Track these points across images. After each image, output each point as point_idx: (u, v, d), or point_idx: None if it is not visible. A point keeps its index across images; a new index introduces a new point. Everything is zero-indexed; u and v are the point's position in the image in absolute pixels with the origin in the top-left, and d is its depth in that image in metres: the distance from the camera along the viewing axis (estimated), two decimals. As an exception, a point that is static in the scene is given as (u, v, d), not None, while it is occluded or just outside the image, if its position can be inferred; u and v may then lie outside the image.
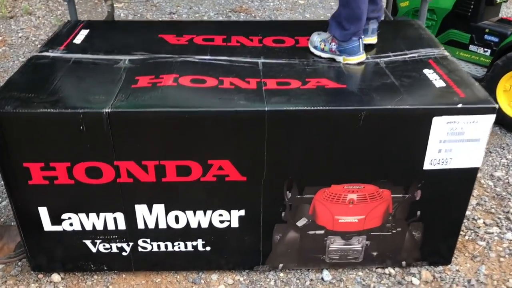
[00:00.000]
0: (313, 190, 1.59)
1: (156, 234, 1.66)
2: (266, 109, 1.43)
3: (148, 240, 1.68)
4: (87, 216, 1.61)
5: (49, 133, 1.45)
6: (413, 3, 3.05)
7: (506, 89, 2.58)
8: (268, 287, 1.73)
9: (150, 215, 1.62)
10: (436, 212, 1.65)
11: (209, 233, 1.66)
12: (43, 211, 1.59)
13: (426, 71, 1.64)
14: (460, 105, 1.45)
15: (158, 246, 1.69)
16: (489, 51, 2.81)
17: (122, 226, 1.64)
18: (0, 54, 3.54)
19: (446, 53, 1.78)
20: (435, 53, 1.77)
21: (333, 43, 1.65)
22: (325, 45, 1.67)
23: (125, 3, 4.45)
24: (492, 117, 1.47)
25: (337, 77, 1.62)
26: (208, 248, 1.70)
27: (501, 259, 1.83)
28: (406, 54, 1.76)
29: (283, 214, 1.63)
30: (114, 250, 1.69)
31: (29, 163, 1.49)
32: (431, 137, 1.49)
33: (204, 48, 1.81)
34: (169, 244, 1.69)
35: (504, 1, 2.85)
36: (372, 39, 1.79)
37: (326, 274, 1.76)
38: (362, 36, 1.65)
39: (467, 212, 1.98)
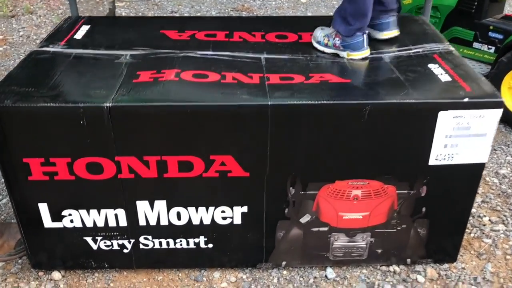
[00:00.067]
0: (317, 186, 1.57)
1: (157, 231, 1.64)
2: (270, 103, 1.41)
3: (150, 237, 1.65)
4: (88, 213, 1.59)
5: (49, 128, 1.43)
6: (416, 0, 3.03)
7: (510, 86, 2.56)
8: (271, 285, 1.70)
9: (151, 212, 1.60)
10: (442, 208, 1.62)
11: (211, 230, 1.64)
12: (43, 208, 1.57)
13: (431, 65, 1.62)
14: (466, 99, 1.43)
15: (160, 243, 1.67)
16: (493, 48, 2.79)
17: (123, 222, 1.61)
18: (1, 52, 3.53)
19: (451, 48, 1.75)
20: (440, 48, 1.75)
21: (337, 38, 1.62)
22: (328, 40, 1.65)
23: (127, 2, 4.43)
24: (499, 112, 1.44)
25: (341, 72, 1.60)
26: (210, 245, 1.68)
27: (508, 256, 1.80)
28: (411, 49, 1.74)
29: (286, 210, 1.61)
30: (115, 247, 1.67)
31: (29, 159, 1.47)
32: (436, 132, 1.47)
33: (206, 44, 1.79)
34: (171, 241, 1.67)
35: (509, -2, 2.83)
36: (394, 32, 1.77)
37: (330, 272, 1.74)
38: (367, 31, 1.63)
39: (473, 210, 1.95)
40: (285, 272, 1.75)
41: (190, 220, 1.62)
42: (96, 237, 1.65)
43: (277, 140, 1.47)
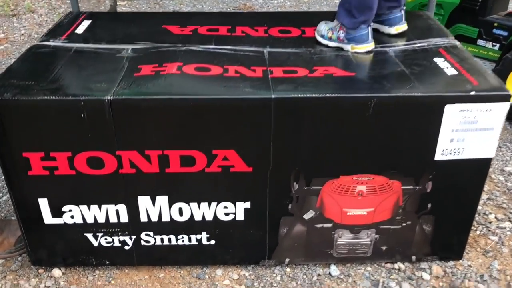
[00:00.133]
0: (321, 181, 1.54)
1: (159, 227, 1.61)
2: (273, 96, 1.39)
3: (151, 234, 1.63)
4: (89, 208, 1.57)
5: (50, 121, 1.41)
6: (419, -3, 3.01)
7: (515, 83, 2.54)
8: (274, 282, 1.68)
9: (153, 207, 1.57)
10: (448, 204, 1.60)
11: (213, 226, 1.62)
12: (43, 203, 1.55)
13: (436, 59, 1.59)
14: (473, 93, 1.41)
15: (162, 240, 1.64)
16: (497, 45, 2.78)
17: (124, 218, 1.59)
18: (2, 51, 3.51)
19: (457, 43, 1.73)
20: (445, 42, 1.73)
21: (341, 31, 1.60)
22: (332, 34, 1.63)
23: (128, 1, 4.42)
24: (506, 105, 1.42)
25: (345, 66, 1.57)
26: (212, 242, 1.66)
27: (514, 254, 1.78)
28: (416, 44, 1.72)
29: (289, 206, 1.58)
30: (116, 243, 1.64)
31: (29, 153, 1.45)
32: (443, 126, 1.44)
33: (208, 38, 1.76)
34: (173, 237, 1.64)
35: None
36: (404, 26, 1.76)
37: (334, 269, 1.71)
38: (371, 24, 1.61)
39: (478, 207, 1.92)
40: (288, 269, 1.72)
41: (192, 216, 1.59)
42: (97, 233, 1.62)
43: (281, 134, 1.44)
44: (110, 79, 1.46)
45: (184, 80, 1.48)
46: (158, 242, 1.65)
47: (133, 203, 1.56)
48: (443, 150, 1.49)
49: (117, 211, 1.58)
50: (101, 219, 1.59)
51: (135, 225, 1.61)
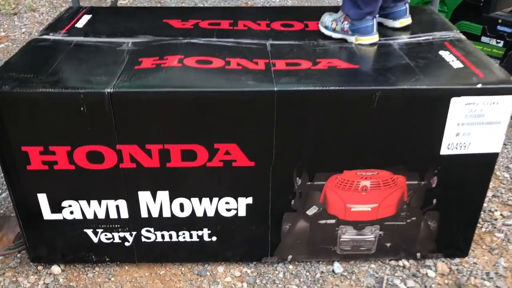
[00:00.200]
0: (324, 176, 1.52)
1: (160, 223, 1.59)
2: (276, 89, 1.36)
3: (152, 230, 1.61)
4: (88, 204, 1.54)
5: (49, 115, 1.39)
6: (423, -6, 2.99)
7: (520, 80, 2.50)
8: (276, 280, 1.65)
9: (154, 203, 1.55)
10: (453, 200, 1.57)
11: (215, 222, 1.59)
12: (42, 198, 1.52)
13: (442, 52, 1.57)
14: (479, 85, 1.38)
15: (162, 236, 1.62)
16: (502, 42, 2.75)
17: (124, 214, 1.57)
18: (3, 49, 3.49)
19: (462, 36, 1.71)
20: (450, 35, 1.70)
21: (346, 22, 1.58)
22: (337, 25, 1.61)
23: (129, 0, 4.41)
24: (513, 98, 1.39)
25: (349, 58, 1.55)
26: (214, 238, 1.63)
27: (521, 251, 1.75)
28: (420, 37, 1.69)
29: (292, 202, 1.56)
30: (117, 240, 1.62)
31: (28, 147, 1.43)
32: (448, 120, 1.42)
33: (210, 32, 1.74)
34: (174, 234, 1.62)
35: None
36: (409, 20, 1.74)
37: (337, 266, 1.68)
38: (377, 16, 1.58)
39: (483, 204, 1.89)
40: (291, 266, 1.70)
41: (193, 211, 1.57)
42: (97, 230, 1.60)
43: (284, 128, 1.42)
44: (110, 72, 1.44)
45: (185, 72, 1.46)
46: (159, 239, 1.62)
47: (133, 198, 1.54)
48: (449, 144, 1.46)
49: (117, 206, 1.55)
50: (101, 215, 1.56)
51: (135, 221, 1.59)
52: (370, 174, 1.51)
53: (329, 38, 1.65)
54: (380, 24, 1.72)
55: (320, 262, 1.70)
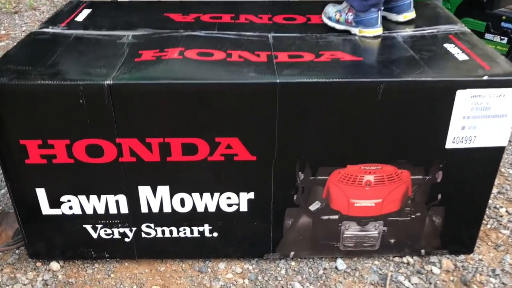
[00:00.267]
0: (327, 171, 1.49)
1: (160, 218, 1.56)
2: (278, 81, 1.34)
3: (152, 225, 1.58)
4: (88, 199, 1.52)
5: (47, 107, 1.37)
6: (426, -9, 2.96)
7: (525, 77, 2.48)
8: (278, 276, 1.62)
9: (154, 198, 1.52)
10: (459, 195, 1.54)
11: (216, 217, 1.57)
12: (41, 193, 1.50)
13: (447, 45, 1.54)
14: (486, 77, 1.35)
15: (163, 232, 1.59)
16: (506, 39, 2.72)
17: (124, 209, 1.54)
18: (3, 47, 3.48)
19: (467, 29, 1.68)
20: (455, 29, 1.68)
21: (350, 13, 1.55)
22: (340, 16, 1.58)
23: (131, -2, 4.39)
24: (520, 91, 1.37)
25: (352, 50, 1.52)
26: (215, 234, 1.60)
27: (527, 248, 1.72)
28: (425, 30, 1.67)
29: (295, 197, 1.53)
30: (116, 235, 1.59)
31: (26, 141, 1.40)
32: (454, 113, 1.39)
33: (211, 25, 1.72)
34: (174, 229, 1.59)
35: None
36: (413, 14, 1.71)
37: (340, 263, 1.66)
38: (382, 8, 1.56)
39: (489, 201, 1.87)
40: (293, 263, 1.67)
41: (194, 207, 1.54)
42: (96, 225, 1.57)
43: (286, 121, 1.39)
44: (109, 65, 1.42)
45: (186, 64, 1.44)
46: (159, 234, 1.60)
47: (133, 193, 1.51)
48: (454, 138, 1.43)
49: (117, 201, 1.53)
50: (101, 210, 1.54)
51: (135, 217, 1.56)
52: (374, 168, 1.49)
53: (332, 29, 1.63)
54: (383, 18, 1.69)
55: (323, 259, 1.68)
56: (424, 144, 1.45)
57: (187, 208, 1.54)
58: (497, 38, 2.75)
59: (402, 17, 1.71)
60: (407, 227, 1.60)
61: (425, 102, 1.39)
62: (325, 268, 1.65)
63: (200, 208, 1.55)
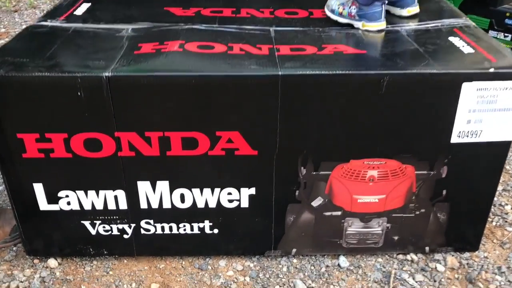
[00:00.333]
0: (330, 166, 1.46)
1: (160, 214, 1.53)
2: (280, 73, 1.31)
3: (152, 222, 1.55)
4: (86, 194, 1.49)
5: (45, 100, 1.34)
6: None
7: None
8: (280, 274, 1.60)
9: (153, 194, 1.50)
10: (464, 191, 1.51)
11: (217, 213, 1.54)
12: (38, 188, 1.47)
13: (451, 38, 1.52)
14: (492, 70, 1.33)
15: (162, 228, 1.56)
16: (510, 36, 2.69)
17: (123, 205, 1.51)
18: (3, 45, 3.45)
19: (472, 23, 1.65)
20: (459, 22, 1.65)
21: (353, 7, 1.53)
22: (343, 9, 1.56)
23: (131, -3, 4.37)
24: (527, 84, 1.34)
25: (356, 43, 1.50)
26: (215, 231, 1.58)
27: (533, 246, 1.69)
28: (429, 24, 1.64)
29: (297, 193, 1.50)
30: (115, 232, 1.57)
31: (23, 134, 1.38)
32: (459, 106, 1.36)
33: (211, 19, 1.70)
34: (174, 226, 1.56)
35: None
36: (417, 9, 1.69)
37: (343, 260, 1.63)
38: (386, 2, 1.53)
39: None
40: (295, 260, 1.64)
41: (194, 202, 1.51)
42: (95, 221, 1.55)
43: (288, 115, 1.37)
44: (108, 57, 1.39)
45: (186, 57, 1.41)
46: (159, 231, 1.57)
47: (132, 188, 1.49)
48: (460, 132, 1.41)
49: (115, 197, 1.50)
50: (99, 206, 1.51)
51: (134, 212, 1.53)
52: (378, 163, 1.46)
53: (335, 23, 1.60)
54: (387, 12, 1.67)
55: (325, 256, 1.65)
56: (429, 139, 1.43)
57: (187, 204, 1.52)
58: (500, 35, 2.73)
59: (406, 12, 1.68)
60: (411, 223, 1.57)
61: (430, 95, 1.36)
62: (327, 266, 1.62)
63: (200, 204, 1.52)
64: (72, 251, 1.63)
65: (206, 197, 1.51)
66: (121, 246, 1.61)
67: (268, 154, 1.43)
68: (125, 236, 1.58)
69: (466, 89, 1.34)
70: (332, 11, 1.60)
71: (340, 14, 1.57)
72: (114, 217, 1.54)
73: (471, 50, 1.43)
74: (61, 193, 1.49)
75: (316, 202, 1.53)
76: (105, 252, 1.63)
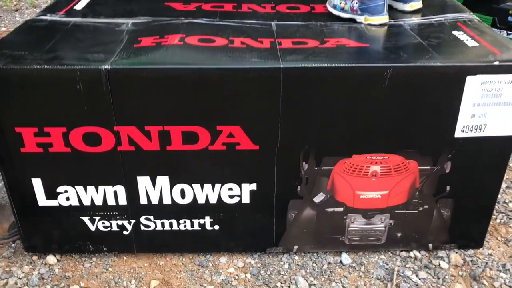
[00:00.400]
0: (332, 161, 1.44)
1: (160, 210, 1.52)
2: (282, 66, 1.29)
3: (151, 218, 1.53)
4: (85, 189, 1.48)
5: (43, 93, 1.32)
6: (431, -14, 2.92)
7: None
8: (281, 271, 1.57)
9: (153, 189, 1.48)
10: (468, 187, 1.49)
11: (217, 209, 1.52)
12: (37, 183, 1.46)
13: (455, 32, 1.50)
14: (497, 63, 1.31)
15: (162, 224, 1.55)
16: (513, 33, 2.67)
17: (123, 201, 1.50)
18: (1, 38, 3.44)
19: (475, 17, 1.64)
20: (463, 17, 1.63)
21: (356, 1, 1.51)
22: (345, 4, 1.54)
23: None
24: (532, 77, 1.32)
25: (358, 37, 1.48)
26: (216, 227, 1.56)
27: (538, 243, 1.67)
28: (432, 18, 1.62)
29: (298, 188, 1.48)
30: (115, 228, 1.55)
31: (22, 128, 1.36)
32: (463, 100, 1.35)
33: (212, 13, 1.68)
34: (174, 222, 1.54)
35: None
36: (419, 4, 1.67)
37: (345, 257, 1.61)
38: None
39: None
40: (296, 257, 1.62)
41: (195, 198, 1.50)
42: (94, 217, 1.53)
43: (290, 108, 1.35)
44: (108, 50, 1.37)
45: (187, 50, 1.39)
46: (159, 227, 1.55)
47: (132, 184, 1.47)
48: (464, 127, 1.39)
49: (115, 192, 1.48)
50: (98, 201, 1.50)
51: (134, 208, 1.51)
52: (381, 158, 1.44)
53: (337, 18, 1.59)
54: (390, 8, 1.65)
55: (328, 253, 1.63)
56: (432, 133, 1.41)
57: (188, 199, 1.50)
58: (503, 33, 2.71)
59: (408, 7, 1.66)
60: (415, 220, 1.55)
61: (433, 88, 1.34)
62: (329, 263, 1.60)
63: (201, 200, 1.50)
64: (71, 248, 1.61)
65: (206, 193, 1.49)
66: (121, 243, 1.59)
67: (269, 149, 1.41)
68: (125, 232, 1.56)
69: (471, 83, 1.32)
70: (334, 7, 1.58)
71: (342, 9, 1.56)
72: (114, 213, 1.52)
73: (475, 44, 1.42)
74: (60, 189, 1.47)
75: (318, 198, 1.51)
76: (105, 249, 1.61)
